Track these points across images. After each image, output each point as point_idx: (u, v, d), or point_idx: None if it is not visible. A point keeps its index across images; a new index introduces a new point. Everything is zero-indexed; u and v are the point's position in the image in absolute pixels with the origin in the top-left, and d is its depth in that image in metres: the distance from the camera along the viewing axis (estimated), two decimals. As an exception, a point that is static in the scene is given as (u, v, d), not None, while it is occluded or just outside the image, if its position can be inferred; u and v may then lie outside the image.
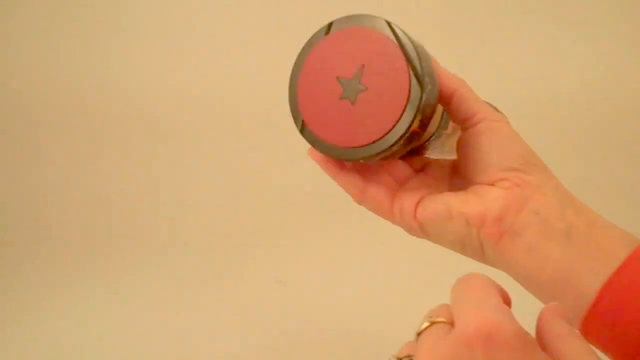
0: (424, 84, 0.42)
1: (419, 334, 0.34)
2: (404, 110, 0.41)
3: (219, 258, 0.95)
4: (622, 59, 0.91)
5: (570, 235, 0.43)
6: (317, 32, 0.45)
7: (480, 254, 0.46)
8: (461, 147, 0.48)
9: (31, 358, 0.81)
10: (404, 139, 0.42)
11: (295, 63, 0.45)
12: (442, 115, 0.49)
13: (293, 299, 0.89)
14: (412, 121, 0.41)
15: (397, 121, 0.41)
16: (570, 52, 0.92)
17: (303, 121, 0.44)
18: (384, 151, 0.42)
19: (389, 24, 0.43)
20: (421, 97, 0.42)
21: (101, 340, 0.84)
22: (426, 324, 0.34)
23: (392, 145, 0.42)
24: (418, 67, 0.42)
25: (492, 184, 0.45)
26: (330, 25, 0.44)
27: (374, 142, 0.42)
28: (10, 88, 0.99)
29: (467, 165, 0.47)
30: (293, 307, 0.88)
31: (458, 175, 0.48)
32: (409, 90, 0.41)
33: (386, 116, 0.42)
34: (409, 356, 0.34)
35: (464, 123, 0.47)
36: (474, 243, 0.45)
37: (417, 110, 0.42)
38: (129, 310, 0.88)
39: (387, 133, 0.41)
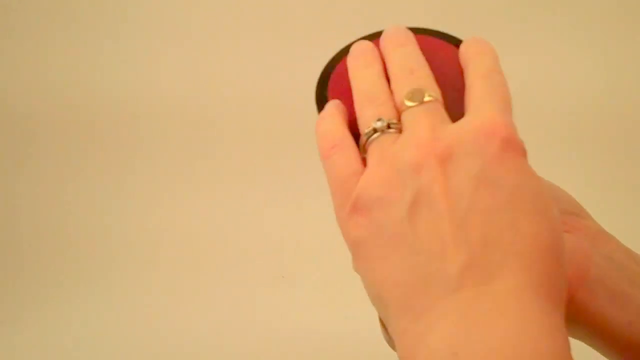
0: None
1: (413, 105, 0.32)
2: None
3: (224, 259, 0.95)
4: (625, 62, 0.91)
5: None
6: (354, 41, 0.39)
7: None
8: None
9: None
10: None
11: (328, 64, 0.39)
12: None
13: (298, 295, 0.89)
14: None
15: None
16: (571, 55, 0.91)
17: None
18: None
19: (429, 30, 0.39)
20: None
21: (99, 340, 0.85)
22: (423, 95, 0.32)
23: None
24: None
25: None
26: (371, 35, 0.39)
27: None
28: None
29: None
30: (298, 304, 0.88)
31: None
32: None
33: (453, 115, 0.35)
34: (397, 124, 0.33)
35: None
36: None
37: None
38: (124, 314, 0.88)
39: None
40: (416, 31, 0.39)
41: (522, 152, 0.30)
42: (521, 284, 0.28)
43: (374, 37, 0.39)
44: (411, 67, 0.34)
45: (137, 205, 0.99)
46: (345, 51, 0.39)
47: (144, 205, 0.99)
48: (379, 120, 0.32)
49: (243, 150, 0.99)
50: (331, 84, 0.38)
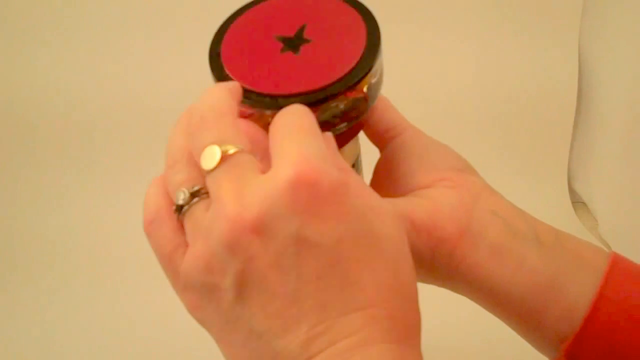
0: (379, 34, 0.37)
1: (210, 170, 0.30)
2: (361, 57, 0.36)
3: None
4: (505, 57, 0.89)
5: (540, 238, 0.37)
6: (253, 0, 0.41)
7: (429, 268, 0.37)
8: (385, 161, 0.41)
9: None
10: (355, 94, 0.36)
11: (218, 30, 0.39)
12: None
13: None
14: (369, 70, 0.36)
15: (353, 67, 0.36)
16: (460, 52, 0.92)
17: (225, 71, 0.37)
18: (334, 96, 0.35)
19: None
20: (378, 46, 0.37)
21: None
22: (219, 153, 0.29)
23: (344, 91, 0.35)
24: (369, 17, 0.38)
25: (431, 186, 0.38)
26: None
27: (325, 86, 0.35)
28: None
29: (395, 176, 0.40)
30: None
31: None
32: (366, 38, 0.37)
33: (340, 61, 0.36)
34: (203, 189, 0.30)
35: (386, 134, 0.41)
36: (422, 254, 0.36)
37: (375, 58, 0.36)
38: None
39: (340, 78, 0.35)
40: None
41: (337, 189, 0.28)
42: (365, 337, 0.28)
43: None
44: (208, 110, 0.31)
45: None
46: (244, 9, 0.40)
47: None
48: (181, 192, 0.30)
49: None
50: (225, 43, 0.38)
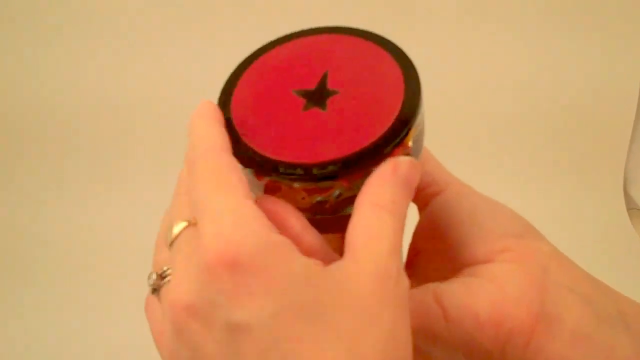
0: (417, 74, 0.32)
1: (171, 242, 0.29)
2: (403, 104, 0.31)
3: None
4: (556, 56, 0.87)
5: (627, 321, 0.32)
6: (260, 47, 0.35)
7: None
8: (426, 225, 0.35)
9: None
10: (401, 152, 0.30)
11: (223, 91, 0.34)
12: None
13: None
14: (414, 119, 0.31)
15: (396, 119, 0.31)
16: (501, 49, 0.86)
17: (242, 139, 0.32)
18: (380, 158, 0.30)
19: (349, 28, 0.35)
20: (419, 88, 0.32)
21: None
22: (180, 226, 0.29)
23: (391, 150, 0.30)
24: (398, 53, 0.33)
25: (490, 261, 0.32)
26: (275, 40, 0.35)
27: (368, 146, 0.30)
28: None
29: (441, 245, 0.34)
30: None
31: (421, 266, 0.35)
32: (403, 80, 0.32)
33: (378, 113, 0.31)
34: (169, 268, 0.29)
35: (426, 190, 0.35)
36: (490, 352, 0.31)
37: (419, 103, 0.31)
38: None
39: (384, 135, 0.30)
40: (339, 31, 0.35)
41: (261, 258, 0.26)
42: None
43: (290, 39, 0.35)
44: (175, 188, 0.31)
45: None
46: (248, 62, 0.35)
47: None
48: (153, 274, 0.30)
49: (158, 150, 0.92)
50: (234, 105, 0.33)
